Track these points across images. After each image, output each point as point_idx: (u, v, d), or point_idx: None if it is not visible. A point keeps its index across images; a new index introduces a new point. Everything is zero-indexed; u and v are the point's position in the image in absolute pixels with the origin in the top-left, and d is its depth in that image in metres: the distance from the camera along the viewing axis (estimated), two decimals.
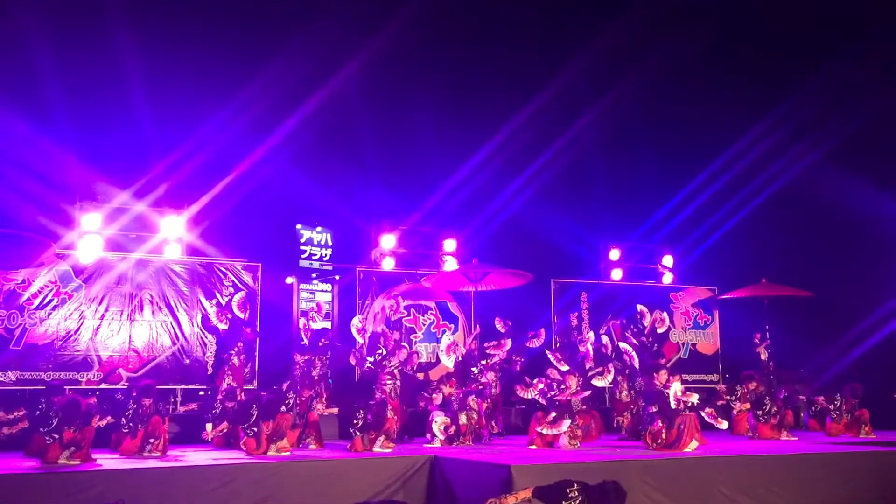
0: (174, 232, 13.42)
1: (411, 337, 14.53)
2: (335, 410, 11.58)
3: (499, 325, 12.43)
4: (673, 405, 9.98)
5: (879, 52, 16.96)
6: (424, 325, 14.78)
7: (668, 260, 17.08)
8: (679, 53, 18.94)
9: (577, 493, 5.70)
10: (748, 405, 12.40)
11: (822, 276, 16.89)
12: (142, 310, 12.87)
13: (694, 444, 9.84)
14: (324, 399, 11.64)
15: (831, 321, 16.45)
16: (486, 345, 12.28)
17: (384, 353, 11.82)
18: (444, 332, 14.63)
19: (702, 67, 19.48)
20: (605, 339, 13.68)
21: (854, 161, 17.69)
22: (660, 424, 9.96)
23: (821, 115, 18.48)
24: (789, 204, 18.62)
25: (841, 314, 16.48)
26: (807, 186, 18.32)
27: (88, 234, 12.77)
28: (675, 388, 10.09)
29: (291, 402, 10.16)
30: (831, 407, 12.67)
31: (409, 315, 14.67)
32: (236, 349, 12.30)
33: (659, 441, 9.92)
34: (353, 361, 12.56)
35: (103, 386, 12.24)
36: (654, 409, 10.08)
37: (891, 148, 18.09)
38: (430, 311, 14.87)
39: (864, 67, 17.52)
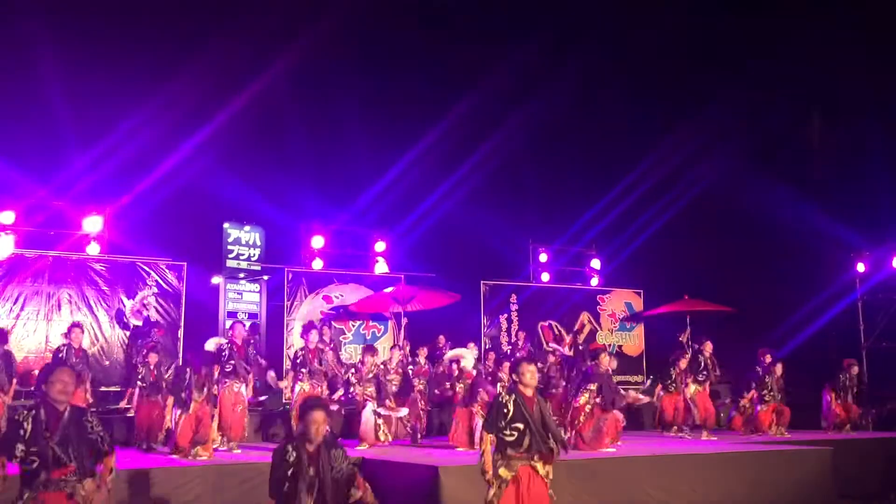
0: (95, 229, 12.98)
1: (340, 338, 14.40)
2: None
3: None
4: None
5: (798, 60, 17.59)
6: (354, 326, 14.67)
7: (595, 263, 17.32)
8: (603, 61, 19.33)
9: (505, 394, 5.96)
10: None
11: (744, 278, 17.41)
12: (60, 309, 12.43)
13: (609, 446, 10.15)
14: None
15: (753, 324, 16.94)
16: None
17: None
18: (372, 332, 14.58)
19: (625, 76, 19.90)
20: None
21: (773, 170, 18.33)
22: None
23: (740, 123, 19.08)
24: (711, 209, 19.12)
25: (762, 318, 16.96)
26: (727, 192, 18.88)
27: (2, 231, 12.25)
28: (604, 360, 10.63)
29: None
30: (764, 392, 12.99)
31: (338, 316, 14.54)
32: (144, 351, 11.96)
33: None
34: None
35: (17, 388, 11.74)
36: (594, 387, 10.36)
37: (806, 157, 18.78)
38: (359, 313, 14.73)
39: (781, 76, 18.15)
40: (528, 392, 5.88)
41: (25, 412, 5.02)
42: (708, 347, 12.81)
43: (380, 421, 10.79)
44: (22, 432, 4.91)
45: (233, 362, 10.28)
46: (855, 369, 13.76)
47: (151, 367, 11.17)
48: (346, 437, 11.56)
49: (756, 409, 13.04)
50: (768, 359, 13.21)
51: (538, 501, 5.76)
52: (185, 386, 9.52)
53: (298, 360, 11.11)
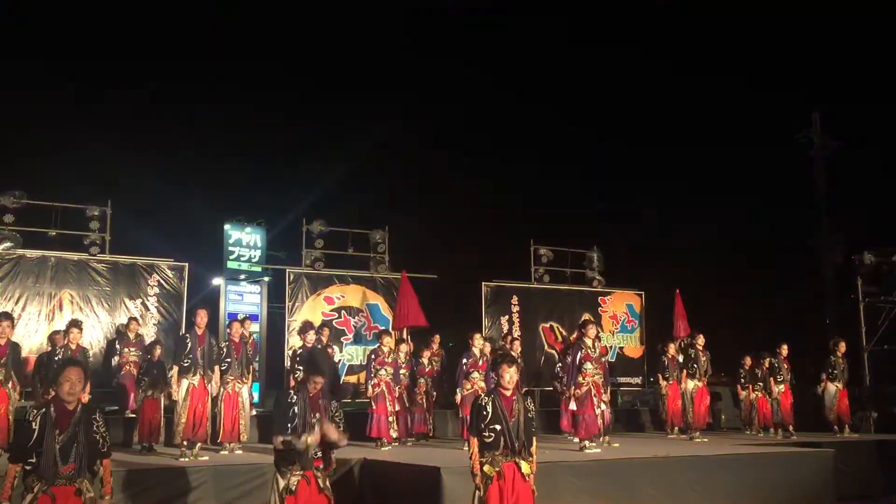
0: (97, 230, 12.93)
1: (342, 339, 14.38)
2: None
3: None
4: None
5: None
6: (355, 327, 14.65)
7: (596, 264, 17.21)
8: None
9: (486, 398, 5.93)
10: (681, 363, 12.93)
11: (744, 279, 17.42)
12: (61, 310, 12.43)
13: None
14: None
15: (752, 326, 16.95)
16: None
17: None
18: (374, 333, 14.56)
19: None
20: None
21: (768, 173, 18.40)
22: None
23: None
24: (709, 211, 19.19)
25: (762, 320, 16.98)
26: (723, 196, 18.96)
27: (4, 231, 12.23)
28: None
29: None
30: (776, 365, 13.15)
31: (339, 317, 14.52)
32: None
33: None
34: None
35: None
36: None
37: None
38: (361, 314, 14.72)
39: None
40: (508, 393, 5.87)
41: (35, 411, 5.06)
42: (700, 340, 12.89)
43: (391, 418, 10.84)
44: (32, 433, 4.95)
45: (229, 360, 10.23)
46: (842, 346, 13.64)
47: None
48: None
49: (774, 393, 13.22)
50: (784, 350, 13.33)
51: (522, 498, 5.77)
52: (187, 352, 9.60)
53: (297, 360, 10.98)
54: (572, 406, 10.63)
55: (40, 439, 4.93)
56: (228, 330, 10.70)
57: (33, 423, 4.96)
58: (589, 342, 10.52)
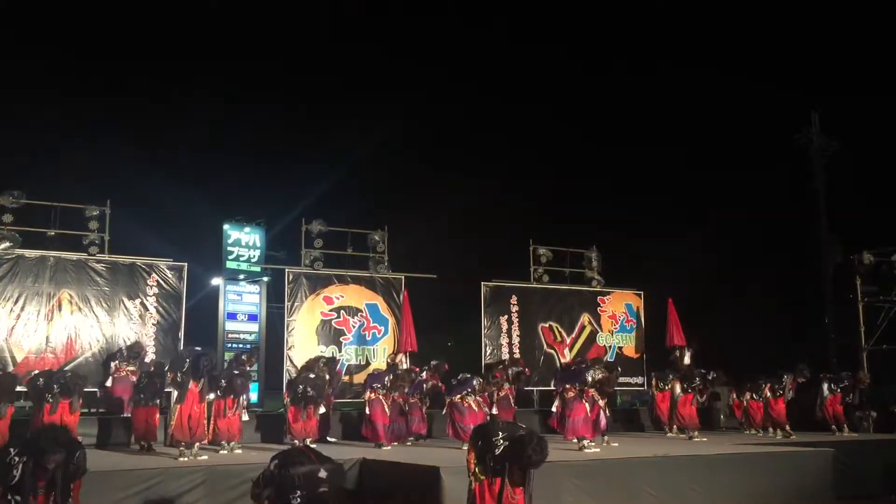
0: (96, 229, 12.89)
1: (341, 339, 14.36)
2: None
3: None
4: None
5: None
6: (354, 327, 14.62)
7: (595, 264, 17.16)
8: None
9: (501, 440, 5.78)
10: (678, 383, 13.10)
11: (743, 278, 17.40)
12: (60, 310, 12.41)
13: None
14: None
15: (753, 325, 16.94)
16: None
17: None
18: (373, 333, 14.59)
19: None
20: None
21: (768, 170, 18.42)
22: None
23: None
24: (708, 210, 19.20)
25: (761, 321, 16.97)
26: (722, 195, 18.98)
27: (3, 231, 12.21)
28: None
29: None
30: (776, 387, 13.16)
31: (338, 317, 14.49)
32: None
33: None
34: None
35: (19, 389, 11.72)
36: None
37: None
38: (360, 314, 14.69)
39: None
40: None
41: (17, 459, 5.25)
42: (720, 376, 13.04)
43: (388, 426, 11.11)
44: (13, 478, 5.20)
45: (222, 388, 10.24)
46: (862, 380, 13.82)
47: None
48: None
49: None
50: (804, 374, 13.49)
51: (514, 501, 5.76)
52: (181, 368, 9.67)
53: (299, 393, 10.70)
54: (556, 405, 10.82)
55: (20, 486, 5.20)
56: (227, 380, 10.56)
57: (14, 471, 5.19)
58: (595, 383, 10.82)
